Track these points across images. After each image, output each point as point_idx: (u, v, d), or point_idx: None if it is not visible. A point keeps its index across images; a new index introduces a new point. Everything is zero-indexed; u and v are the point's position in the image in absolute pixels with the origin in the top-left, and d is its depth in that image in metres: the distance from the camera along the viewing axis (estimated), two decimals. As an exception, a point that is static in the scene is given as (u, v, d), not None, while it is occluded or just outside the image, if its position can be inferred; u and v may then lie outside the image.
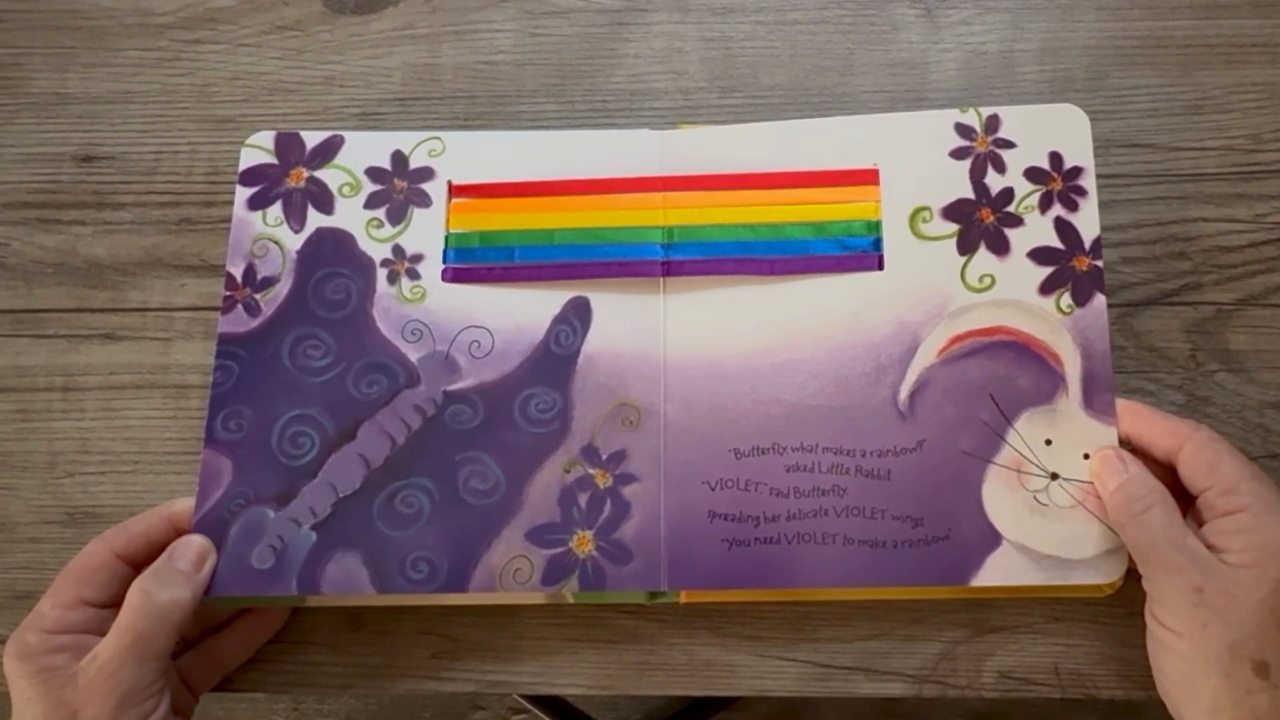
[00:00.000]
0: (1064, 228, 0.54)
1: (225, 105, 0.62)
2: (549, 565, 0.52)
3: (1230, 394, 0.55)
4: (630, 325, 0.55)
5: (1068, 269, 0.54)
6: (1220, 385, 0.55)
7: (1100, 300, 0.53)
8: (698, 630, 0.54)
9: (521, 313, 0.55)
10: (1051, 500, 0.51)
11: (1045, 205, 0.55)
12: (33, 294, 0.60)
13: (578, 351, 0.54)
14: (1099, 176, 0.55)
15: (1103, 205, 0.55)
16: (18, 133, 0.63)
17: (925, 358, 0.53)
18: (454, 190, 0.57)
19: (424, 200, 0.57)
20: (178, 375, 0.58)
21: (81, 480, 0.57)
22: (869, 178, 0.56)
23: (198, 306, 0.59)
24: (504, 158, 0.57)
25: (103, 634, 0.47)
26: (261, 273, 0.56)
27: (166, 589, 0.48)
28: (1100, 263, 0.54)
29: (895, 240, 0.55)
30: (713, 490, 0.53)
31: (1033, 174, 0.55)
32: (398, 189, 0.57)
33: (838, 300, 0.54)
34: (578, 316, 0.55)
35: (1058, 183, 0.55)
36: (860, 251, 0.55)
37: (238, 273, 0.56)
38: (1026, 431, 0.52)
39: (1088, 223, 0.54)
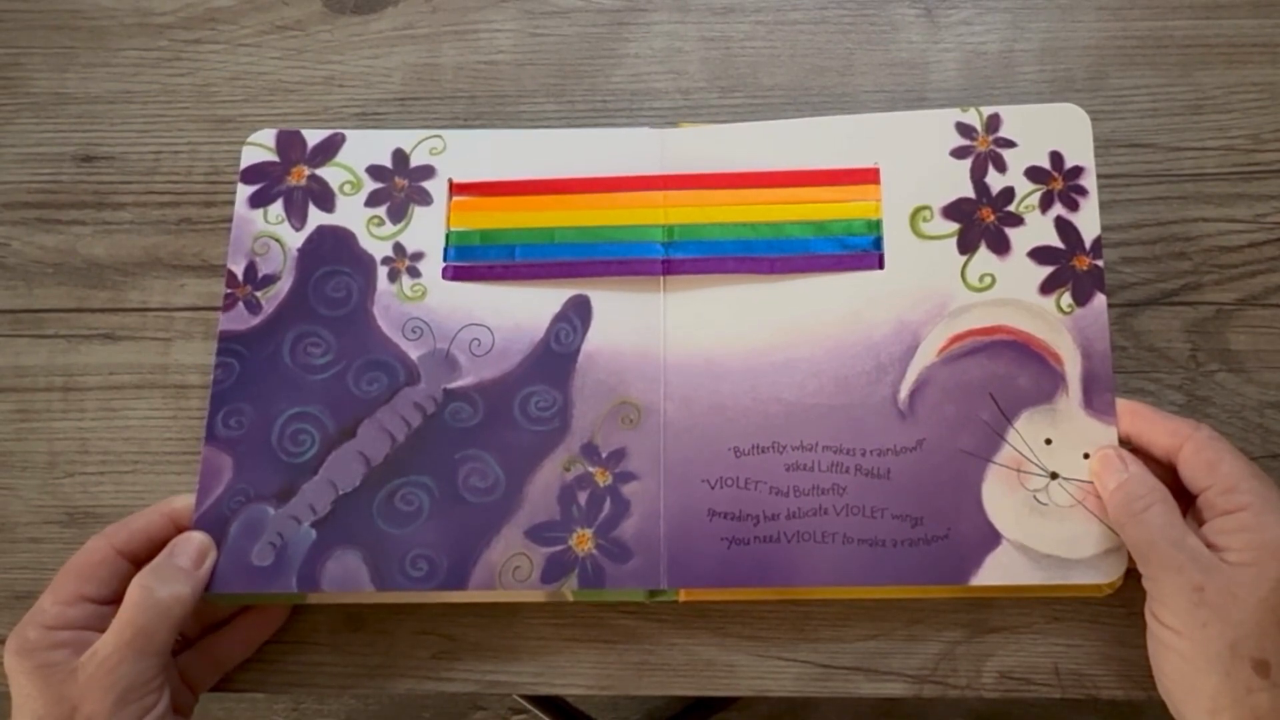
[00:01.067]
0: (1064, 227, 0.54)
1: (225, 105, 0.62)
2: (548, 563, 0.52)
3: (1230, 394, 0.55)
4: (630, 324, 0.55)
5: (1068, 268, 0.54)
6: (1220, 385, 0.55)
7: (1100, 300, 0.53)
8: (697, 630, 0.54)
9: (522, 311, 0.55)
10: (1051, 500, 0.51)
11: (1046, 205, 0.55)
12: (33, 294, 0.60)
13: (578, 350, 0.54)
14: (1099, 176, 0.55)
15: (1103, 205, 0.55)
16: (18, 133, 0.63)
17: (925, 357, 0.53)
18: (455, 188, 0.57)
19: (425, 198, 0.57)
20: (178, 375, 0.58)
21: (81, 480, 0.57)
22: (869, 177, 0.56)
23: (197, 306, 0.59)
24: (505, 156, 0.57)
25: (103, 630, 0.47)
26: (262, 270, 0.56)
27: (167, 585, 0.48)
28: (1101, 262, 0.54)
29: (896, 239, 0.55)
30: (712, 489, 0.52)
31: (1033, 173, 0.55)
32: (399, 187, 0.57)
33: (838, 299, 0.54)
34: (578, 315, 0.55)
35: (1058, 182, 0.55)
36: (860, 250, 0.55)
37: (239, 270, 0.56)
38: (1026, 431, 0.52)
39: (1088, 222, 0.54)
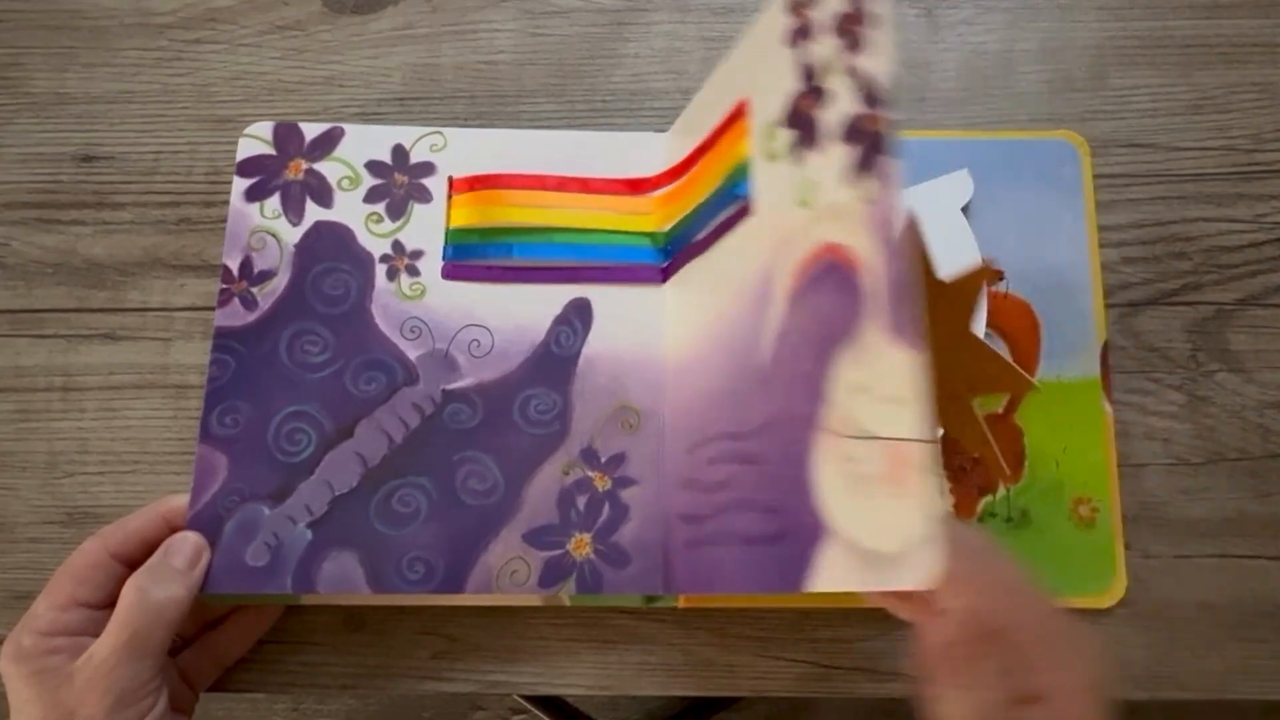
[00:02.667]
0: (864, 83, 0.41)
1: (225, 105, 0.62)
2: (546, 567, 0.51)
3: (1230, 394, 0.55)
4: (631, 327, 0.55)
5: (866, 134, 0.40)
6: (1220, 385, 0.55)
7: (892, 166, 0.39)
8: (697, 630, 0.54)
9: (522, 312, 0.55)
10: (868, 468, 0.39)
11: (850, 57, 0.41)
12: (33, 294, 0.60)
13: (578, 353, 0.54)
14: (1099, 176, 0.55)
15: (1103, 205, 0.55)
16: (18, 133, 0.63)
17: (778, 309, 0.45)
18: (455, 186, 0.57)
19: (424, 195, 0.57)
20: (177, 375, 0.58)
21: (81, 480, 0.57)
22: None
23: (197, 306, 0.59)
24: (506, 154, 0.57)
25: (98, 634, 0.47)
26: (259, 266, 0.55)
27: (161, 587, 0.48)
28: (891, 117, 0.40)
29: (761, 176, 0.47)
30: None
31: (840, 24, 0.42)
32: (398, 183, 0.57)
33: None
34: (579, 317, 0.55)
35: (855, 22, 0.41)
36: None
37: (234, 265, 0.55)
38: (845, 380, 0.40)
39: (877, 66, 0.40)
